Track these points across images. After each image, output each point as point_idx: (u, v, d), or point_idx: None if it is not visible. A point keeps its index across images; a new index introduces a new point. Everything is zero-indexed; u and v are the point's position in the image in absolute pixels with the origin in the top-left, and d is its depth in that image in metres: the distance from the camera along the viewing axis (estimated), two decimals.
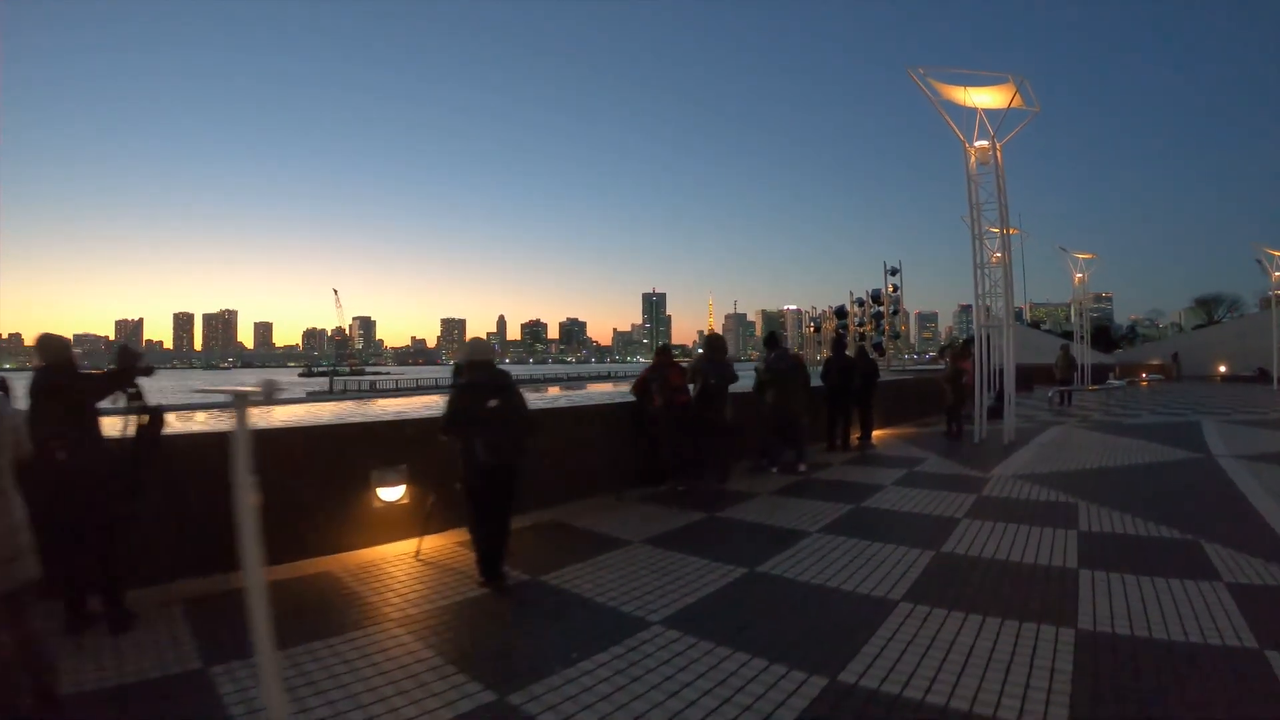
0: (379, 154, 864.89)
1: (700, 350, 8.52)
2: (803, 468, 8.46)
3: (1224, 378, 33.54)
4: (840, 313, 48.04)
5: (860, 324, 43.95)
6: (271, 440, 4.83)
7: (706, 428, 7.53)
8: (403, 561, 4.83)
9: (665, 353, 7.98)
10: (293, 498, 4.59)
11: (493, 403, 4.36)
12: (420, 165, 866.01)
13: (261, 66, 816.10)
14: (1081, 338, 27.24)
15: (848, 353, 11.26)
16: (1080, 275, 28.52)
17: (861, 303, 44.39)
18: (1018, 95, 11.11)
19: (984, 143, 11.59)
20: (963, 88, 11.47)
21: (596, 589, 4.24)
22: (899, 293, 42.11)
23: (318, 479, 4.88)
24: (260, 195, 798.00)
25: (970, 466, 8.52)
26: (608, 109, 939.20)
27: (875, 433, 11.84)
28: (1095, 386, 18.83)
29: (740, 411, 8.33)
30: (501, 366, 4.94)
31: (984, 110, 11.53)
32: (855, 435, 11.07)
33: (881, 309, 43.10)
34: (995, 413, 13.59)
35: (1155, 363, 36.13)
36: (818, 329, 54.59)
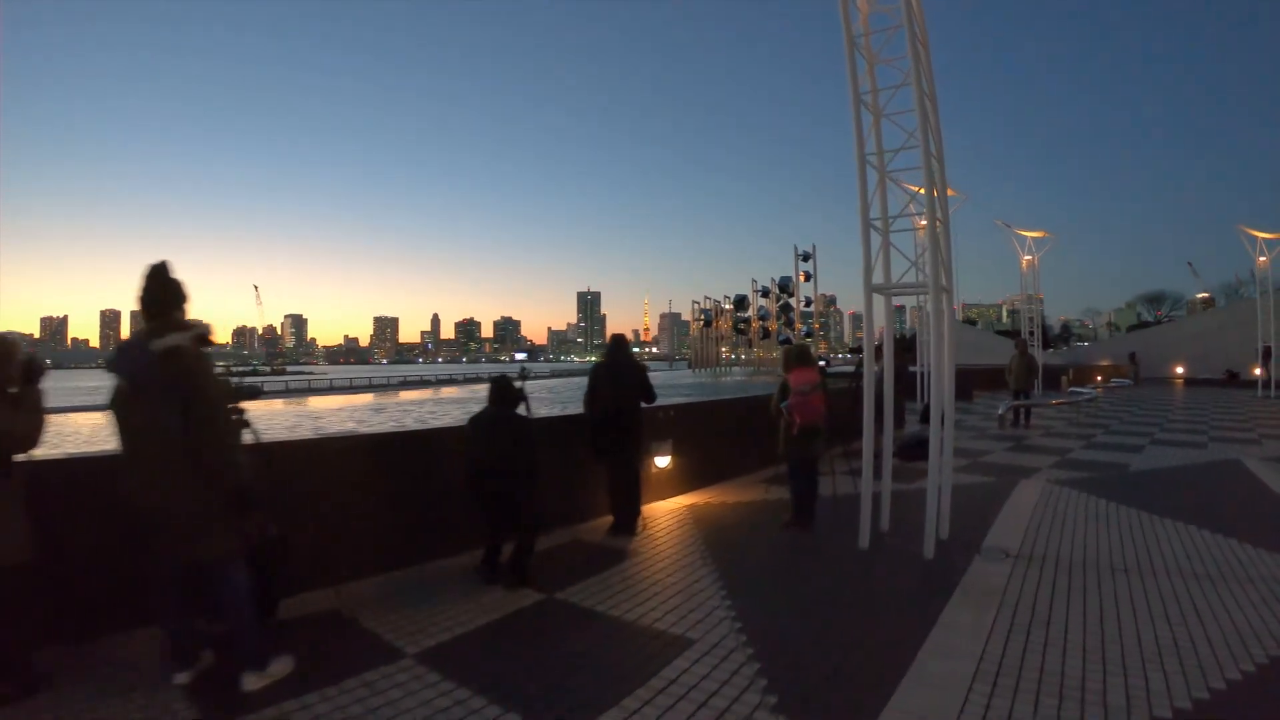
0: (312, 149, 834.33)
1: None
2: (252, 682, 2.47)
3: (1186, 380, 29.41)
4: (740, 303, 41.59)
5: (764, 317, 37.62)
6: None
7: None
8: None
9: None
10: None
11: None
12: (354, 162, 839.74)
13: (188, 59, 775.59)
14: (1031, 333, 22.28)
15: (597, 359, 5.29)
16: (1029, 258, 23.61)
17: (766, 292, 37.97)
18: None
19: None
20: None
21: None
22: (812, 281, 35.21)
23: None
24: (190, 189, 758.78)
25: None
26: (540, 108, 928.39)
27: (683, 501, 5.91)
28: (1061, 400, 13.47)
29: None
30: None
31: None
32: (608, 519, 5.13)
33: (791, 299, 36.68)
34: (915, 451, 7.84)
35: (1106, 364, 31.82)
36: (709, 323, 46.82)
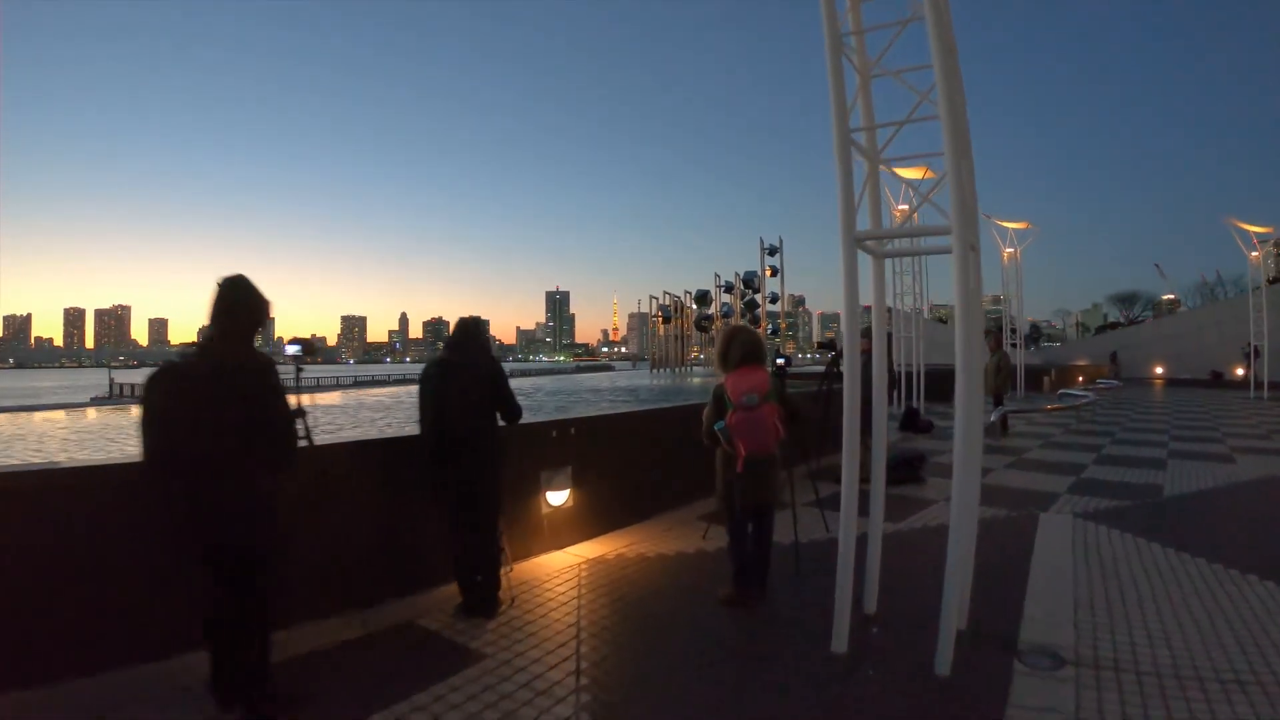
0: (279, 146, 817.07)
1: None
2: None
3: (1168, 380, 28.60)
4: (703, 299, 39.75)
5: (727, 314, 35.86)
6: None
7: None
8: None
9: None
10: None
11: None
12: (322, 160, 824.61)
13: (153, 55, 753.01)
14: (1014, 330, 21.03)
15: (440, 353, 3.54)
16: (1010, 250, 22.35)
17: (730, 288, 36.20)
18: None
19: None
20: None
21: None
22: (779, 276, 33.30)
23: None
24: (155, 185, 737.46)
25: None
26: (511, 108, 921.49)
27: (586, 553, 4.15)
28: (1057, 405, 12.03)
29: None
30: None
31: None
32: (467, 582, 3.39)
33: (756, 295, 34.91)
34: (901, 473, 6.28)
35: (1085, 364, 30.92)
36: (668, 320, 44.48)
